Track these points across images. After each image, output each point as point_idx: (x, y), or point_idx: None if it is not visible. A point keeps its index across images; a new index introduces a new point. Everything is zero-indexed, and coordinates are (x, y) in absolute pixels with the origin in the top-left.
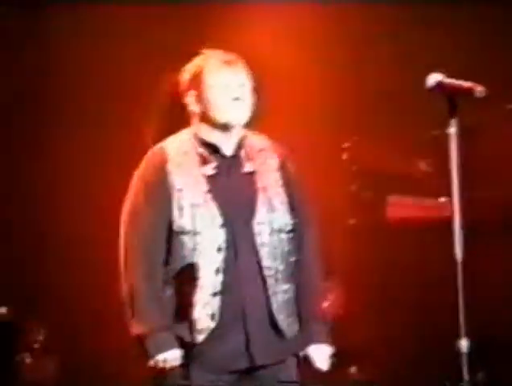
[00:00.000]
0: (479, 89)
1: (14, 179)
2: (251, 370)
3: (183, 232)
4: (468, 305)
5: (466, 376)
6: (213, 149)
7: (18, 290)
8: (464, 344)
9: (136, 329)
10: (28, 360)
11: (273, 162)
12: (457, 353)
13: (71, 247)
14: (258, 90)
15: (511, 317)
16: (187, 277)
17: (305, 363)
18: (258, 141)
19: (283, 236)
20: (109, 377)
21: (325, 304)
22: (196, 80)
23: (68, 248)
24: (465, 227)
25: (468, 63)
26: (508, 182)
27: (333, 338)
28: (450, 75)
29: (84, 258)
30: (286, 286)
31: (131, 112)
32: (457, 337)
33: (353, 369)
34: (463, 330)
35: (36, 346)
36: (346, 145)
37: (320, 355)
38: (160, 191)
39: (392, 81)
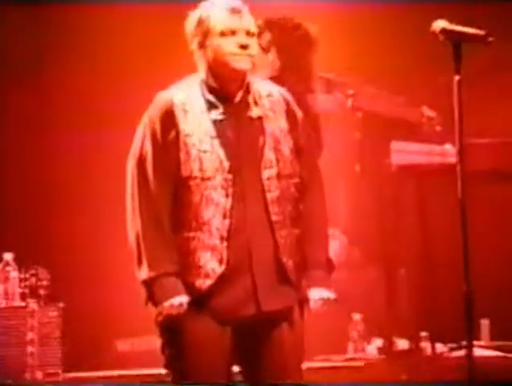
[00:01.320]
0: (483, 34)
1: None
2: (254, 322)
3: (190, 178)
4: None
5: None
6: (220, 94)
7: (24, 237)
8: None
9: (143, 274)
10: (35, 307)
11: (280, 107)
12: (463, 299)
13: (77, 196)
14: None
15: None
16: (194, 222)
17: (306, 307)
18: (264, 86)
19: (290, 181)
20: (113, 324)
21: (329, 251)
22: (202, 27)
23: (74, 196)
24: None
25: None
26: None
27: (336, 286)
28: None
29: (91, 206)
30: (292, 231)
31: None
32: (462, 283)
33: (356, 316)
34: (467, 275)
35: (42, 292)
36: (350, 91)
37: (318, 299)
38: (167, 137)
39: (398, 26)
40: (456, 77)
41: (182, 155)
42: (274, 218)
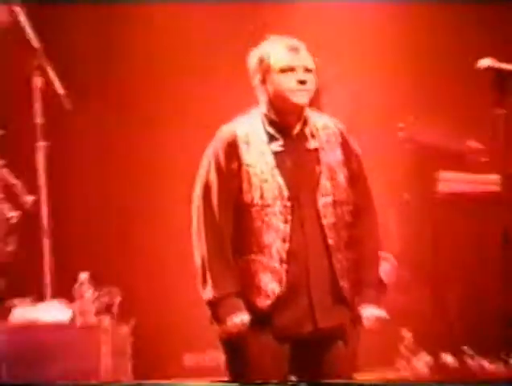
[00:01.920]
0: None
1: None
2: (311, 339)
3: (251, 205)
4: None
5: None
6: (280, 127)
7: (98, 257)
8: None
9: (208, 294)
10: (108, 323)
11: (335, 139)
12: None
13: (146, 218)
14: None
15: None
16: (255, 246)
17: (357, 323)
18: (321, 118)
19: (345, 208)
20: (181, 339)
21: (380, 273)
22: (263, 65)
23: (144, 219)
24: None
25: None
26: None
27: (387, 305)
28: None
29: (159, 228)
30: (347, 255)
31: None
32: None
33: (406, 333)
34: None
35: (114, 310)
36: (401, 124)
37: (371, 316)
38: (230, 167)
39: (446, 64)
40: (501, 111)
41: (244, 184)
42: (330, 242)
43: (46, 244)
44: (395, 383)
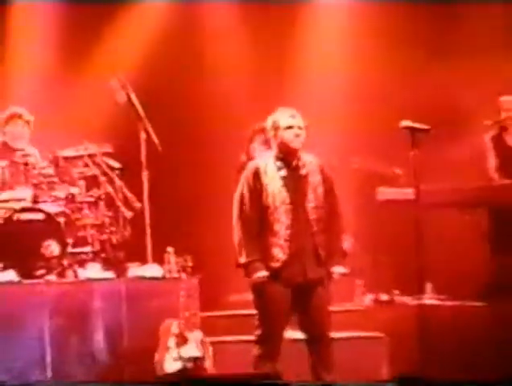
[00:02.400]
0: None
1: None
2: (303, 286)
3: (268, 207)
4: None
5: None
6: (285, 162)
7: (178, 235)
8: None
9: (242, 260)
10: (184, 276)
11: (316, 168)
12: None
13: (211, 205)
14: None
15: None
16: (270, 232)
17: (330, 276)
18: (308, 157)
19: (322, 209)
20: (228, 286)
21: (343, 246)
22: (275, 125)
23: (209, 206)
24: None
25: None
26: None
27: (347, 265)
28: None
29: (215, 212)
30: (324, 236)
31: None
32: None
33: (358, 282)
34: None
35: (188, 269)
36: (355, 159)
37: (337, 272)
38: (255, 186)
39: (375, 123)
40: (413, 152)
41: (263, 195)
42: (314, 229)
43: (148, 230)
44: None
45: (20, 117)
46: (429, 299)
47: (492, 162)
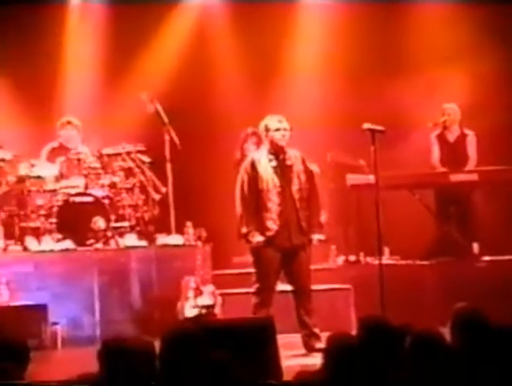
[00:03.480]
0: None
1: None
2: (289, 250)
3: (262, 190)
4: None
5: None
6: (274, 155)
7: (197, 211)
8: None
9: (243, 230)
10: (200, 244)
11: (299, 160)
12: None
13: (221, 187)
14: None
15: None
16: (264, 209)
17: (310, 242)
18: (292, 151)
19: (304, 191)
20: (232, 249)
21: (320, 219)
22: (267, 127)
23: (219, 187)
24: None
25: None
26: None
27: (324, 234)
28: None
29: (224, 193)
30: (305, 212)
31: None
32: None
33: (332, 247)
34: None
35: (202, 239)
36: (329, 154)
37: (317, 239)
38: (252, 173)
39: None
40: (373, 147)
41: (259, 181)
42: (298, 205)
43: (171, 209)
44: None
45: (71, 123)
46: (387, 260)
47: (435, 154)
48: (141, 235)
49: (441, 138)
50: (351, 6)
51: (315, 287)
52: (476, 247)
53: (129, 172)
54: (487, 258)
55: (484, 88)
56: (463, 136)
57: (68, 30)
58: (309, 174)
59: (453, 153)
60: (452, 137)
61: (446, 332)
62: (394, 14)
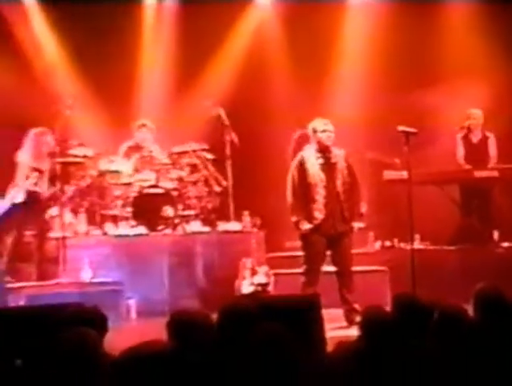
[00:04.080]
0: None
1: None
2: (334, 236)
3: (310, 184)
4: None
5: None
6: (321, 153)
7: (251, 204)
8: None
9: (293, 219)
10: (255, 230)
11: (342, 158)
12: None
13: (274, 183)
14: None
15: None
16: (312, 200)
17: (352, 229)
18: (336, 150)
19: (347, 185)
20: (284, 236)
21: (361, 209)
22: (314, 130)
23: (269, 177)
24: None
25: None
26: None
27: (364, 221)
28: None
29: (273, 183)
30: (348, 203)
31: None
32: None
33: (370, 233)
34: None
35: (257, 225)
36: (369, 153)
37: (357, 227)
38: (302, 169)
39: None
40: (406, 148)
41: (307, 176)
42: (341, 198)
43: (231, 200)
44: None
45: (145, 126)
46: (418, 245)
47: (460, 153)
48: (204, 222)
49: (466, 140)
50: (392, 12)
51: (355, 269)
52: (496, 234)
53: (194, 168)
54: (506, 244)
55: (502, 94)
56: (485, 138)
57: (144, 30)
58: (351, 170)
59: (476, 153)
60: (475, 138)
61: (469, 308)
62: (424, 28)
